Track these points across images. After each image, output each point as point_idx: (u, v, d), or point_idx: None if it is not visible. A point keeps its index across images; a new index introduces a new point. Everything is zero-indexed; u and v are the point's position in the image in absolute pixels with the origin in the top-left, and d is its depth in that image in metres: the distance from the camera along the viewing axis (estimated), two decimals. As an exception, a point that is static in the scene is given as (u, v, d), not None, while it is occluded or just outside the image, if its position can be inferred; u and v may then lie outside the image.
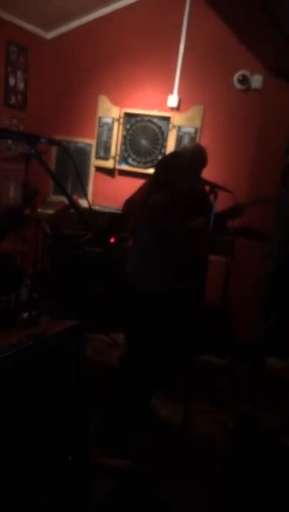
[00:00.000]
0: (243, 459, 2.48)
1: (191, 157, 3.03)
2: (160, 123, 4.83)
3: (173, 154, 3.12)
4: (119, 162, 5.08)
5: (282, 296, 3.94)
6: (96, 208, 4.92)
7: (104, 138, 5.09)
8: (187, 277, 2.80)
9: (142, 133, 4.92)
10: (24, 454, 1.05)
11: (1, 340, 1.03)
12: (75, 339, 1.22)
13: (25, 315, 4.21)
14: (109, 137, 5.05)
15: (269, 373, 4.05)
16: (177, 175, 2.74)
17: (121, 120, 4.99)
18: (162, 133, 4.83)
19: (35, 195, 3.79)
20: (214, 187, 3.20)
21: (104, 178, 5.23)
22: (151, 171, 4.87)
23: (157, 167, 2.93)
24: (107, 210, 4.79)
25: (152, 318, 2.70)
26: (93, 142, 5.17)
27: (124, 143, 5.02)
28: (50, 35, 5.24)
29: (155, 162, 4.87)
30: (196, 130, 4.69)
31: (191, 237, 2.85)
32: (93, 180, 5.27)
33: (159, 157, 4.84)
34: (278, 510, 2.17)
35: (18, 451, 1.04)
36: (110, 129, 5.04)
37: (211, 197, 3.30)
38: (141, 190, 2.94)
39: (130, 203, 3.02)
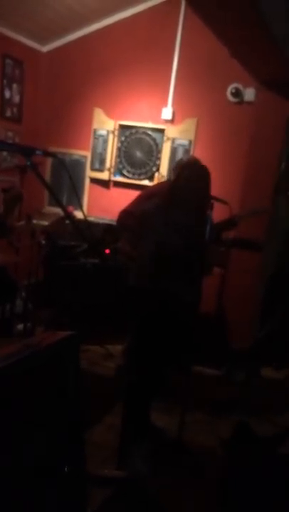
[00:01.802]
0: (239, 468, 2.47)
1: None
2: (155, 135, 4.88)
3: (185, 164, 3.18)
4: (114, 174, 5.12)
5: (276, 306, 3.95)
6: (91, 219, 4.94)
7: (99, 150, 5.12)
8: (174, 277, 2.82)
9: (136, 145, 4.96)
10: (19, 464, 1.05)
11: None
12: (72, 350, 1.22)
13: (20, 326, 4.20)
14: (104, 149, 5.09)
15: (264, 382, 4.05)
16: (185, 182, 2.81)
17: (116, 132, 5.03)
18: (157, 145, 4.87)
19: (17, 200, 3.72)
20: (210, 198, 3.23)
21: (99, 189, 5.26)
22: (145, 182, 4.91)
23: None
24: (102, 221, 4.81)
25: (147, 315, 2.74)
26: (88, 154, 5.20)
27: (119, 155, 5.05)
28: (45, 48, 5.29)
29: (150, 174, 4.91)
30: (190, 142, 4.74)
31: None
32: (88, 192, 5.30)
33: (154, 169, 4.88)
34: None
35: (14, 461, 1.04)
36: (105, 141, 5.08)
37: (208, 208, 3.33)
38: (137, 200, 2.96)
39: (127, 213, 3.04)
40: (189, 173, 2.82)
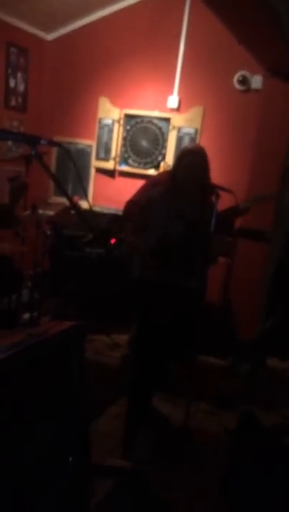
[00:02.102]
0: (244, 458, 2.47)
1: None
2: (160, 124, 4.84)
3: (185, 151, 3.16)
4: (120, 163, 5.09)
5: (282, 296, 3.94)
6: (96, 209, 4.92)
7: (104, 139, 5.09)
8: (176, 267, 2.81)
9: (142, 134, 4.92)
10: (23, 454, 1.05)
11: (2, 340, 1.03)
12: (77, 339, 1.22)
13: (27, 316, 4.21)
14: (110, 138, 5.06)
15: (270, 373, 4.05)
16: (184, 170, 2.78)
17: (121, 121, 4.99)
18: (162, 134, 4.83)
19: (23, 189, 3.72)
20: (215, 187, 3.20)
21: (104, 179, 5.24)
22: (151, 171, 4.88)
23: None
24: (107, 211, 4.80)
25: (150, 306, 2.73)
26: (93, 143, 5.17)
27: (124, 144, 5.02)
28: (50, 36, 5.25)
29: (155, 163, 4.88)
30: (196, 131, 4.70)
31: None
32: (94, 182, 5.28)
33: (160, 158, 4.85)
34: (279, 508, 2.16)
35: (18, 450, 1.04)
36: (111, 130, 5.04)
37: (213, 197, 3.31)
38: (142, 190, 2.94)
39: (133, 203, 3.02)
40: (188, 160, 2.80)
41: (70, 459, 1.17)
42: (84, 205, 4.70)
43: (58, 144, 1.97)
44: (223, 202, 2.96)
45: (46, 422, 1.15)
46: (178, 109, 4.78)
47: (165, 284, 2.75)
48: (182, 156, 2.86)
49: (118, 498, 1.24)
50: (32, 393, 1.09)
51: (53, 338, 1.15)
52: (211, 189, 3.04)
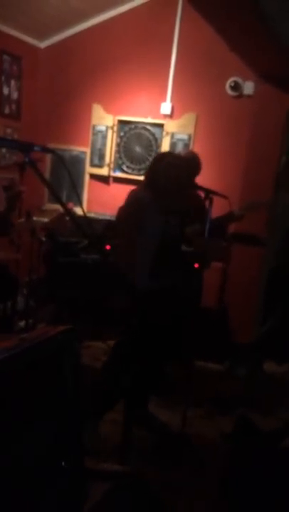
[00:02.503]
0: (242, 461, 2.47)
1: (185, 162, 3.04)
2: (154, 130, 4.86)
3: (161, 155, 3.15)
4: (114, 169, 5.10)
5: (278, 300, 3.94)
6: (91, 215, 4.93)
7: (98, 146, 5.11)
8: (167, 274, 2.81)
9: (136, 140, 4.94)
10: (17, 459, 1.05)
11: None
12: (70, 344, 1.22)
13: (22, 323, 4.20)
14: (104, 145, 5.07)
15: (267, 377, 4.05)
16: (163, 174, 2.76)
17: (115, 128, 5.01)
18: (156, 140, 4.86)
19: (18, 197, 3.76)
20: (209, 193, 3.22)
21: (99, 185, 5.25)
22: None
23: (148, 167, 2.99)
24: (102, 217, 4.80)
25: (139, 314, 2.73)
26: (87, 150, 5.19)
27: (118, 150, 5.04)
28: (43, 44, 5.27)
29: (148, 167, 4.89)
30: (190, 137, 4.72)
31: (187, 241, 2.88)
32: (88, 188, 5.29)
33: (154, 164, 4.86)
34: (279, 510, 2.16)
35: (11, 456, 1.04)
36: (104, 137, 5.06)
37: (207, 203, 3.32)
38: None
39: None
40: (166, 163, 2.82)
41: (64, 463, 1.16)
42: (79, 211, 4.70)
43: (52, 151, 1.98)
44: (217, 207, 2.98)
45: (40, 426, 1.14)
46: (171, 116, 4.81)
47: (165, 287, 2.76)
48: (159, 160, 2.88)
49: (114, 501, 1.23)
50: (25, 398, 1.09)
51: (45, 343, 1.15)
52: (206, 195, 3.05)
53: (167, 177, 2.75)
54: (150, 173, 2.86)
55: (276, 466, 2.35)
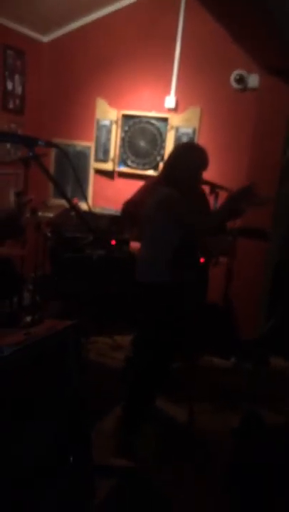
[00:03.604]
0: (248, 456, 2.47)
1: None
2: (158, 124, 4.84)
3: (184, 147, 3.06)
4: (119, 164, 5.09)
5: (284, 294, 3.93)
6: (96, 210, 4.92)
7: (102, 140, 5.09)
8: (192, 268, 2.81)
9: (140, 134, 4.92)
10: (24, 454, 1.05)
11: (0, 340, 1.03)
12: (74, 338, 1.22)
13: (28, 318, 4.22)
14: (108, 139, 5.06)
15: (273, 372, 4.04)
16: (186, 169, 2.72)
17: (119, 122, 4.99)
18: (160, 134, 4.83)
19: (28, 203, 3.81)
20: (215, 187, 3.21)
21: (103, 180, 5.24)
22: (150, 172, 4.88)
23: (167, 161, 2.87)
24: (107, 212, 4.79)
25: (161, 310, 2.71)
26: (92, 145, 5.17)
27: (122, 145, 5.02)
28: (46, 38, 5.25)
29: (154, 163, 4.87)
30: (194, 130, 4.70)
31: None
32: (93, 183, 5.28)
33: (158, 158, 4.84)
34: (283, 507, 2.16)
35: (18, 451, 1.04)
36: (109, 132, 5.05)
37: (212, 197, 3.31)
38: (141, 190, 2.93)
39: (131, 203, 3.01)
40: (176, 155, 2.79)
41: (71, 459, 1.17)
42: (84, 206, 4.70)
43: (56, 145, 1.97)
44: (222, 201, 2.97)
45: (45, 421, 1.15)
46: (175, 110, 4.78)
47: (182, 284, 2.75)
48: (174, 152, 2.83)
49: (120, 497, 1.24)
50: (30, 392, 1.09)
51: (49, 338, 1.15)
52: (211, 189, 3.04)
53: (189, 164, 2.72)
54: (169, 167, 2.78)
55: (281, 462, 2.34)
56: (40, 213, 3.96)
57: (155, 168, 4.87)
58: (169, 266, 2.68)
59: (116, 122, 5.00)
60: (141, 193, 2.94)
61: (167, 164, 2.81)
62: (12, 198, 4.92)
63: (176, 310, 2.76)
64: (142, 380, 2.82)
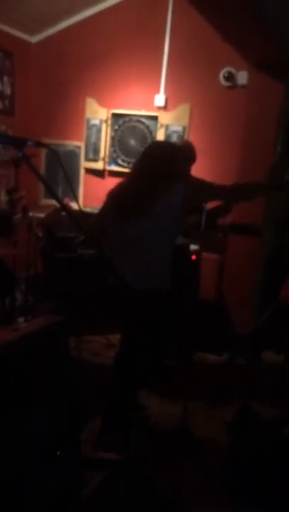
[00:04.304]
0: (244, 450, 2.49)
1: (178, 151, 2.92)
2: (148, 122, 4.84)
3: (160, 146, 2.89)
4: (109, 163, 5.09)
5: (275, 289, 3.96)
6: (87, 209, 4.92)
7: (93, 140, 5.09)
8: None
9: (130, 133, 4.92)
10: (14, 449, 1.06)
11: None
12: (61, 334, 1.23)
13: (22, 319, 4.21)
14: (98, 139, 5.06)
15: (266, 366, 4.06)
16: (172, 169, 2.62)
17: (109, 121, 4.99)
18: (150, 132, 4.84)
19: (20, 200, 3.78)
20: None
21: (94, 179, 5.24)
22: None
23: (154, 158, 2.67)
24: (98, 211, 4.78)
25: (155, 315, 2.69)
26: (82, 144, 5.17)
27: (113, 144, 5.03)
28: (35, 38, 5.24)
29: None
30: (184, 128, 4.71)
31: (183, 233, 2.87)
32: (83, 182, 5.28)
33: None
34: (280, 498, 2.18)
35: (8, 446, 1.05)
36: (99, 131, 5.05)
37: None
38: (128, 187, 2.82)
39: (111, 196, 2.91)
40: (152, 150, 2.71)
41: (58, 452, 1.18)
42: (75, 206, 4.70)
43: (45, 145, 1.97)
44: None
45: (34, 416, 1.15)
46: (165, 108, 4.79)
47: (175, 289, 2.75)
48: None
49: (110, 489, 1.25)
50: (20, 388, 1.09)
51: (37, 334, 1.16)
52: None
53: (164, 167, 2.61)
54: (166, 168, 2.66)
55: (277, 455, 2.36)
56: (31, 213, 3.96)
57: (146, 166, 4.87)
58: (170, 270, 2.66)
59: (106, 121, 5.00)
60: (126, 189, 2.83)
61: (139, 165, 2.70)
62: (3, 196, 4.91)
63: (164, 315, 2.75)
64: (128, 376, 2.82)
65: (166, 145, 2.87)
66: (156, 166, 2.60)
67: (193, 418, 3.02)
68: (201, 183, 2.73)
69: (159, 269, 2.64)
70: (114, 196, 2.77)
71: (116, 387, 2.80)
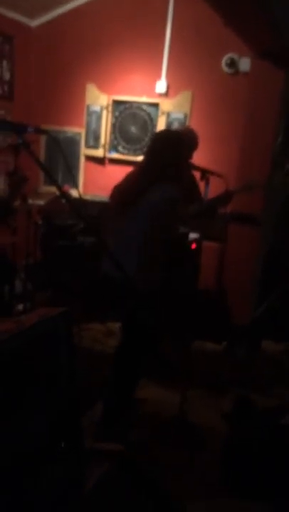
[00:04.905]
0: (241, 440, 2.50)
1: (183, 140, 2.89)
2: (149, 109, 4.80)
3: (163, 136, 2.88)
4: (109, 150, 5.05)
5: (275, 279, 3.95)
6: (87, 197, 4.90)
7: (93, 126, 5.05)
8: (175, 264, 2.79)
9: (131, 120, 4.88)
10: (15, 443, 1.06)
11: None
12: (65, 325, 1.22)
13: (20, 307, 4.21)
14: (99, 125, 5.01)
15: (264, 356, 4.08)
16: (177, 160, 2.62)
17: (109, 108, 4.94)
18: (151, 119, 4.80)
19: (22, 183, 3.71)
20: (205, 172, 3.19)
21: (94, 167, 5.20)
22: (141, 158, 4.84)
23: (151, 154, 2.71)
24: (98, 199, 4.76)
25: (151, 312, 2.67)
26: (82, 131, 5.13)
27: (113, 131, 4.98)
28: (35, 23, 5.16)
29: (145, 149, 4.84)
30: (186, 115, 4.67)
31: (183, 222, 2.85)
32: (84, 170, 5.24)
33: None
34: (278, 489, 2.19)
35: (9, 438, 1.04)
36: (99, 117, 5.00)
37: (203, 182, 3.29)
38: (130, 178, 2.83)
39: (116, 190, 2.92)
40: (155, 142, 2.72)
41: (62, 444, 1.17)
42: (75, 193, 4.67)
43: (46, 132, 1.95)
44: (213, 186, 2.96)
45: (37, 409, 1.15)
46: (166, 94, 4.74)
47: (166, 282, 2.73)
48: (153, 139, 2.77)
49: (112, 481, 1.25)
50: (21, 380, 1.09)
51: (41, 324, 1.15)
52: (202, 174, 3.02)
53: (176, 156, 2.61)
54: (154, 157, 2.66)
55: (275, 445, 2.37)
56: (30, 201, 3.93)
57: (146, 154, 4.83)
58: (153, 269, 2.64)
59: (106, 108, 4.95)
60: (126, 181, 2.84)
61: (151, 155, 2.69)
62: (2, 184, 4.88)
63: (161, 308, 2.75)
64: (127, 368, 2.82)
65: (171, 136, 2.83)
66: (161, 157, 2.59)
67: (191, 408, 3.03)
68: (172, 207, 2.63)
69: (136, 266, 2.58)
70: (115, 188, 2.78)
71: (117, 380, 2.81)
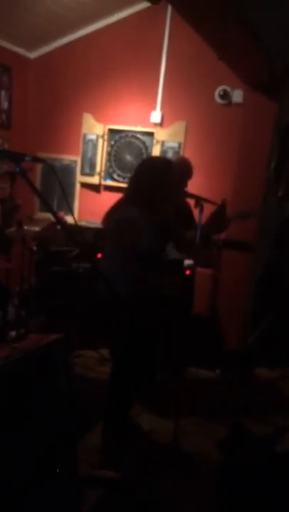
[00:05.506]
0: (236, 468, 2.47)
1: (174, 169, 2.96)
2: (144, 138, 4.89)
3: (145, 164, 2.94)
4: (105, 178, 5.12)
5: (268, 305, 3.97)
6: (82, 223, 4.93)
7: (89, 154, 5.12)
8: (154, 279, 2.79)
9: (126, 148, 4.96)
10: (11, 467, 1.05)
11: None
12: (62, 351, 1.22)
13: (13, 333, 4.18)
14: (94, 154, 5.09)
15: (259, 382, 4.05)
16: (151, 186, 2.66)
17: (105, 136, 5.03)
18: (146, 148, 4.88)
19: (15, 210, 3.73)
20: (200, 200, 3.24)
21: (90, 194, 5.26)
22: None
23: (130, 180, 2.90)
24: (93, 225, 4.79)
25: (128, 322, 2.69)
26: (78, 159, 5.20)
27: (109, 159, 5.06)
28: (33, 54, 5.29)
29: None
30: (180, 145, 4.75)
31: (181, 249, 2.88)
32: (79, 197, 5.30)
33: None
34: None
35: (6, 462, 1.04)
36: (95, 146, 5.08)
37: (198, 210, 3.34)
38: (116, 204, 2.94)
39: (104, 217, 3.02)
40: (139, 168, 2.80)
41: (58, 470, 1.17)
42: (70, 220, 4.70)
43: (43, 160, 1.98)
44: (208, 214, 3.00)
45: (34, 433, 1.15)
46: (161, 124, 4.84)
47: (152, 292, 2.75)
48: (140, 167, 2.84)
49: (106, 507, 1.24)
50: (19, 405, 1.09)
51: (38, 351, 1.15)
52: (196, 202, 3.06)
53: (151, 183, 2.66)
54: (133, 183, 2.79)
55: (270, 472, 2.35)
56: (26, 227, 3.95)
57: (141, 181, 4.90)
58: (129, 281, 2.65)
59: (102, 137, 5.04)
60: (112, 207, 2.95)
61: (131, 180, 2.85)
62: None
63: (142, 320, 2.75)
64: (119, 389, 2.82)
65: (157, 162, 2.91)
66: (142, 183, 2.69)
67: (184, 434, 2.99)
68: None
69: (120, 278, 2.61)
70: (105, 214, 2.88)
71: (112, 400, 2.81)
